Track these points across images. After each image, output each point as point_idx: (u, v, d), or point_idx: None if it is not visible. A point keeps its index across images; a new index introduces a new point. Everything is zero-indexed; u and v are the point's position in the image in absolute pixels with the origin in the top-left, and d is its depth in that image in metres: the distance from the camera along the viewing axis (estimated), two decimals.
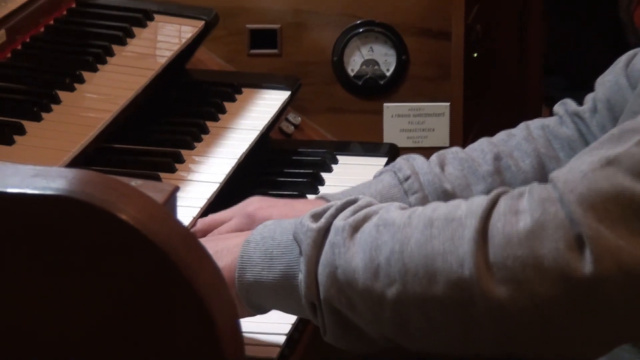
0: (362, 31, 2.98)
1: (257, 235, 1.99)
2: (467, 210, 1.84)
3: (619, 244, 1.77)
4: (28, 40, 2.55)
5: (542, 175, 2.31)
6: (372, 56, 2.99)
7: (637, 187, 1.78)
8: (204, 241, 2.03)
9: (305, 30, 2.99)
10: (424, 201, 2.29)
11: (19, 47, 2.52)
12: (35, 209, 1.67)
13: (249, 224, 2.23)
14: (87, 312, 1.71)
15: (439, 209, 1.87)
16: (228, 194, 2.40)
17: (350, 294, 1.88)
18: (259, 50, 3.00)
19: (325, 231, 1.90)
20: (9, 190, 1.66)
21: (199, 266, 1.69)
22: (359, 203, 1.94)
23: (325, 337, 1.92)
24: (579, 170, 1.81)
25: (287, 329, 2.14)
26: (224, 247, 2.04)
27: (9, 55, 2.48)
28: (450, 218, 1.84)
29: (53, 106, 2.35)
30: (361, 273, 1.86)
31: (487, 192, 2.17)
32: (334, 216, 1.91)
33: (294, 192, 2.49)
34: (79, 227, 1.67)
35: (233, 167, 2.45)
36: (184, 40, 2.72)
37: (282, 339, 2.12)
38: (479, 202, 1.85)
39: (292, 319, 2.17)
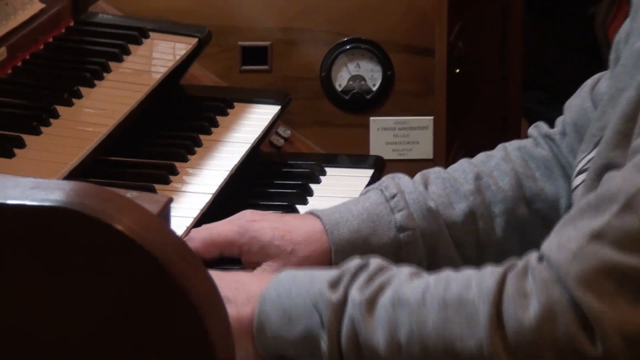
0: (349, 48, 2.96)
1: (273, 293, 1.98)
2: (478, 292, 1.84)
3: (622, 318, 1.78)
4: (28, 57, 2.54)
5: (520, 192, 2.32)
6: (359, 72, 2.98)
7: (625, 259, 1.78)
8: (215, 279, 1.94)
9: (295, 48, 2.98)
10: (409, 217, 2.29)
11: (20, 63, 2.51)
12: (34, 220, 1.66)
13: (242, 234, 2.24)
14: (85, 317, 1.70)
15: (450, 288, 1.87)
16: (221, 205, 2.39)
17: None
18: (250, 66, 2.98)
19: (343, 303, 1.91)
20: (9, 201, 1.65)
21: (193, 274, 1.68)
22: (371, 269, 1.93)
23: None
24: (569, 249, 1.81)
25: None
26: (242, 295, 2.02)
27: (9, 71, 2.48)
28: (464, 301, 1.85)
29: (52, 120, 2.34)
30: (382, 349, 1.88)
31: (469, 209, 2.30)
32: (350, 285, 1.91)
33: (284, 203, 2.48)
34: (77, 237, 1.66)
35: (225, 179, 2.43)
36: (178, 57, 2.70)
37: None
38: (488, 283, 1.85)
39: None
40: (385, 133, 2.97)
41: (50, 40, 2.62)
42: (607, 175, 1.91)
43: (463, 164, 2.35)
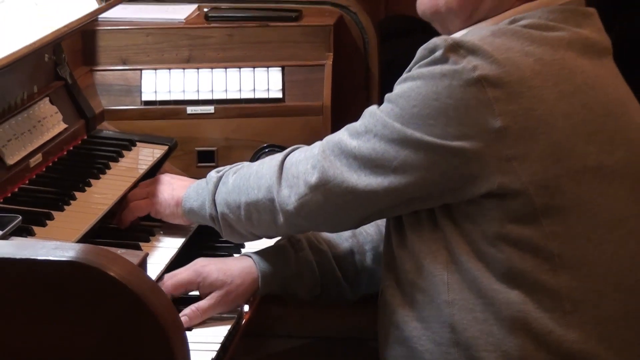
0: (267, 150, 2.83)
1: (191, 190, 2.30)
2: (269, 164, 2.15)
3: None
4: (56, 159, 2.53)
5: (381, 234, 2.29)
6: None
7: (351, 141, 2.05)
8: (161, 185, 2.37)
9: (233, 151, 2.87)
10: (306, 255, 2.29)
11: (51, 164, 2.50)
12: (55, 270, 1.65)
13: (197, 276, 2.24)
14: (87, 337, 1.66)
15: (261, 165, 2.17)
16: (183, 255, 2.37)
17: (229, 211, 2.19)
18: (203, 163, 2.86)
19: (218, 180, 2.23)
20: (39, 257, 1.66)
21: (161, 305, 1.67)
22: (234, 168, 2.24)
23: (223, 236, 2.26)
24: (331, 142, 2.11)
25: (220, 339, 2.14)
26: (174, 190, 2.36)
27: (44, 169, 2.47)
28: (261, 174, 2.15)
29: (71, 201, 2.33)
30: (231, 201, 2.18)
31: (350, 249, 2.33)
32: (219, 171, 2.26)
33: (225, 253, 2.44)
34: (83, 281, 1.65)
35: (186, 238, 2.42)
36: (155, 158, 2.68)
37: (216, 347, 2.11)
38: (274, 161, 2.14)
39: (224, 332, 2.16)
40: None
41: (71, 148, 2.61)
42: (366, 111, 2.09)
43: None
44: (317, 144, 2.10)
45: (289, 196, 2.08)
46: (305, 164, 2.07)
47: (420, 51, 1.99)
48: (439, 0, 2.06)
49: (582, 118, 1.96)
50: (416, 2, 2.11)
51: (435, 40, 1.97)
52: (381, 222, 2.31)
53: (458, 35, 2.03)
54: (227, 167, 2.28)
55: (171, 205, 2.37)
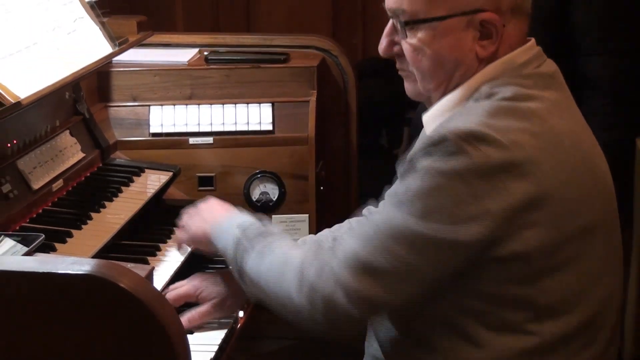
0: (260, 176, 2.86)
1: (217, 227, 2.09)
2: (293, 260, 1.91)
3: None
4: (75, 184, 2.54)
5: None
6: (265, 189, 2.86)
7: (358, 249, 1.84)
8: (194, 213, 2.17)
9: (229, 177, 2.86)
10: None
11: (70, 188, 2.51)
12: (73, 283, 1.64)
13: (196, 289, 2.23)
14: (101, 339, 1.65)
15: (282, 246, 1.95)
16: (185, 268, 2.37)
17: (242, 272, 1.99)
18: (204, 187, 2.84)
19: (239, 240, 2.01)
20: (59, 271, 1.65)
21: (166, 314, 1.66)
22: (258, 226, 2.03)
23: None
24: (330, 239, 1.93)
25: (218, 342, 2.13)
26: (208, 222, 2.13)
27: (64, 193, 2.47)
28: (284, 260, 1.92)
29: (88, 221, 2.34)
30: (248, 268, 1.97)
31: None
32: (245, 231, 2.02)
33: (222, 266, 2.38)
34: (98, 291, 1.64)
35: (188, 253, 2.40)
36: (161, 183, 2.69)
37: (215, 348, 2.11)
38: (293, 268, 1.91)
39: (221, 335, 2.15)
40: (281, 224, 2.83)
41: (88, 174, 2.62)
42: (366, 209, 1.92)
43: (326, 232, 2.27)
44: (332, 247, 1.88)
45: (307, 306, 1.87)
46: (323, 277, 1.84)
47: (425, 144, 1.82)
48: (419, 88, 1.96)
49: (574, 181, 1.88)
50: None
51: (440, 132, 1.82)
52: None
53: (456, 124, 1.83)
54: (253, 229, 2.02)
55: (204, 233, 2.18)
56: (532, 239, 1.82)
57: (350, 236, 1.86)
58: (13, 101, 2.15)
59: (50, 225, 2.25)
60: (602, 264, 1.93)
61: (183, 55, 3.00)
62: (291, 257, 1.92)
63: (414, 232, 1.79)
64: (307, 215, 2.87)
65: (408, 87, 1.97)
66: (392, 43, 1.94)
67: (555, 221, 1.84)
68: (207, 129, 2.86)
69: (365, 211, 1.94)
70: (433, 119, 1.94)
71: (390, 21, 1.94)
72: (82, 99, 2.70)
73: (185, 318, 2.17)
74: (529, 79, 1.91)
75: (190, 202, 2.65)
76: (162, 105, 2.88)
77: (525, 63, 1.92)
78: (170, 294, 2.23)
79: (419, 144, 1.84)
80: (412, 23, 1.88)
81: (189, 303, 2.24)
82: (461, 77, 1.91)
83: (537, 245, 1.83)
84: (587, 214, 1.89)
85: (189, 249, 2.35)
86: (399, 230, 1.80)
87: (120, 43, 2.65)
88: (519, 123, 1.84)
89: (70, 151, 2.56)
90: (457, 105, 1.91)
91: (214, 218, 2.14)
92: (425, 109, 2.05)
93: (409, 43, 1.90)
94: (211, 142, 2.85)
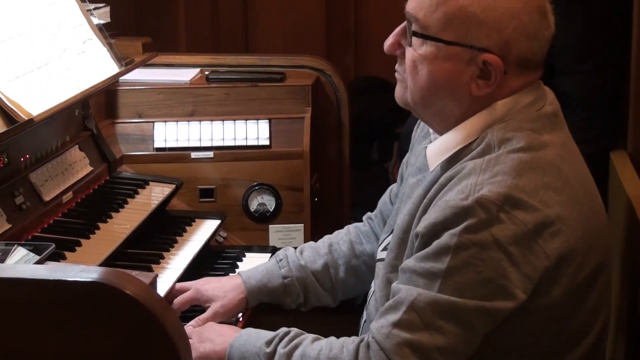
0: (257, 188, 2.86)
1: (236, 342, 1.92)
2: (347, 354, 1.81)
3: None
4: (84, 196, 2.55)
5: (353, 252, 2.28)
6: (263, 201, 2.86)
7: (414, 336, 1.74)
8: (203, 328, 2.00)
9: (228, 189, 2.86)
10: (289, 270, 2.25)
11: (79, 200, 2.51)
12: (82, 289, 1.64)
13: (198, 293, 2.24)
14: (107, 342, 1.64)
15: (332, 349, 1.82)
16: (187, 275, 2.38)
17: None
18: (205, 199, 2.85)
19: (273, 354, 1.87)
20: (68, 279, 1.64)
21: (168, 318, 1.65)
22: (291, 335, 1.90)
23: None
24: (383, 333, 1.77)
25: None
26: (219, 339, 1.97)
27: (74, 204, 2.48)
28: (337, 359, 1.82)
29: (96, 231, 2.35)
30: None
31: (325, 262, 2.27)
32: (277, 345, 1.88)
33: (222, 273, 2.48)
34: (105, 297, 1.63)
35: (190, 261, 2.43)
36: (165, 195, 2.69)
37: None
38: (351, 348, 1.81)
39: None
40: (277, 233, 2.85)
41: (96, 187, 2.63)
42: (393, 285, 1.82)
43: (324, 238, 2.34)
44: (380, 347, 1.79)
45: None
46: None
47: (455, 212, 1.72)
48: (407, 97, 1.87)
49: (589, 230, 1.82)
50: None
51: (471, 200, 1.72)
52: (354, 239, 2.30)
53: (486, 190, 1.74)
54: (280, 331, 1.90)
55: (213, 358, 2.00)
56: (556, 292, 1.78)
57: (401, 330, 1.77)
58: (26, 118, 2.16)
59: (60, 235, 2.26)
60: (602, 293, 1.90)
61: (185, 75, 3.00)
62: None
63: (459, 309, 1.73)
64: (302, 224, 2.87)
65: (398, 91, 1.88)
66: (398, 44, 1.87)
67: (577, 272, 1.80)
68: (208, 144, 2.86)
69: (402, 293, 1.78)
70: (438, 155, 1.86)
71: (404, 23, 1.86)
72: (91, 115, 2.70)
73: (190, 326, 2.16)
74: (537, 121, 1.83)
75: (192, 212, 2.77)
76: (165, 121, 2.89)
77: (530, 104, 1.84)
78: (177, 300, 2.24)
79: (445, 208, 1.73)
80: (420, 35, 1.81)
81: (193, 305, 2.27)
82: (459, 111, 1.83)
83: (560, 298, 1.79)
84: (599, 256, 1.85)
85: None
86: (443, 311, 1.73)
87: (127, 63, 2.67)
88: (541, 178, 1.76)
89: (79, 165, 2.57)
90: (462, 143, 1.83)
91: (225, 341, 1.98)
92: (413, 123, 2.04)
93: (412, 52, 1.83)
94: (212, 156, 2.86)
